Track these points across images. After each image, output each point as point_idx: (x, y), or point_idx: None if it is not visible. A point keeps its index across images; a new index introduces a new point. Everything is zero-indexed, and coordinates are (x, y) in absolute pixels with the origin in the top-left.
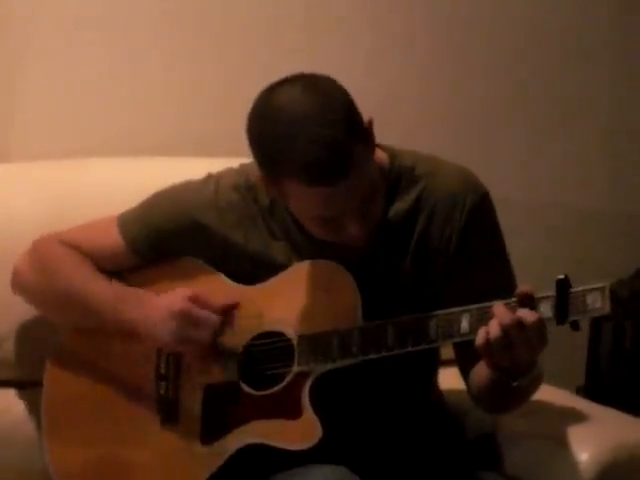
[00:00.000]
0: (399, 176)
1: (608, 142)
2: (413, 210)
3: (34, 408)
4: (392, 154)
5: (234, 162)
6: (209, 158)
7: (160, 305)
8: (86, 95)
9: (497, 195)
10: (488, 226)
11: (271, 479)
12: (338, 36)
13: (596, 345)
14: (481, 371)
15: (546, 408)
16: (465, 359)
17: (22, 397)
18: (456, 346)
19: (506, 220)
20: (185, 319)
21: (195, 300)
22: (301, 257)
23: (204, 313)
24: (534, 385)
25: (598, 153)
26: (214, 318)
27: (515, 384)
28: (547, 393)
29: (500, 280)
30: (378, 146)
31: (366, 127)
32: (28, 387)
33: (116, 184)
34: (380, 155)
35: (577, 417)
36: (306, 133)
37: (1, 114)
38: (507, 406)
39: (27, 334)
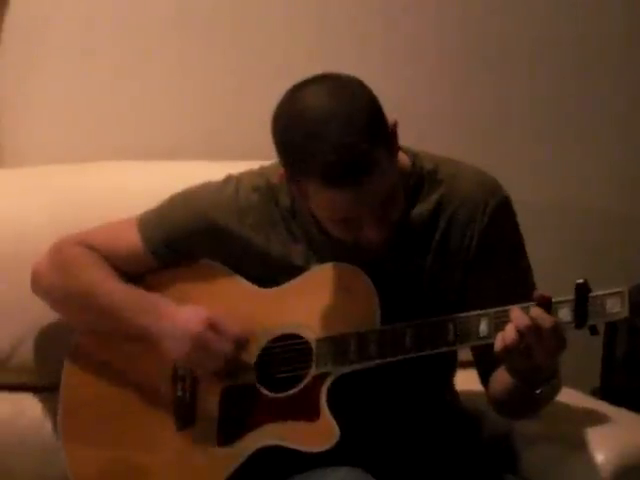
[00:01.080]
0: (421, 179)
1: (625, 144)
2: (434, 212)
3: (49, 412)
4: (414, 156)
5: (246, 165)
6: (221, 161)
7: (177, 321)
8: (98, 99)
9: (513, 197)
10: (508, 230)
11: None
12: (351, 37)
13: (611, 347)
14: (501, 377)
15: (562, 409)
16: (484, 364)
17: (37, 401)
18: (475, 351)
19: (523, 222)
20: (199, 345)
21: (212, 325)
22: (321, 260)
23: (219, 343)
24: (554, 392)
25: (615, 155)
26: (228, 349)
27: (538, 392)
28: (563, 394)
29: (519, 283)
30: (399, 148)
31: (390, 130)
32: (43, 391)
33: (128, 188)
34: (401, 157)
35: (593, 419)
36: (330, 135)
37: (13, 118)
38: (526, 412)
39: (42, 339)
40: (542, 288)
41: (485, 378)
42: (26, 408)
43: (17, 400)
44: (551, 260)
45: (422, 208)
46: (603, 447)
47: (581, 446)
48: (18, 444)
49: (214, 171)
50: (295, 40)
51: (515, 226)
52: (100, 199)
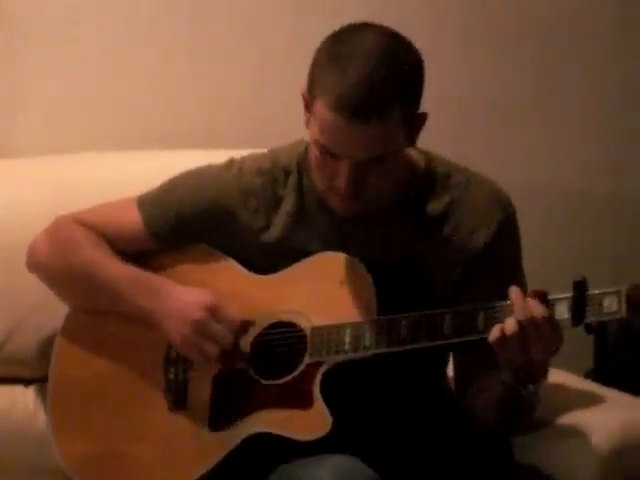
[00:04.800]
0: (434, 181)
1: (615, 126)
2: (444, 213)
3: (42, 404)
4: (428, 159)
5: (235, 154)
6: (215, 150)
7: (181, 303)
8: (88, 89)
9: (502, 180)
10: (512, 244)
11: (279, 469)
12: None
13: (603, 329)
14: (485, 381)
15: (556, 392)
16: (464, 377)
17: (30, 393)
18: (457, 362)
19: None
20: (198, 330)
21: (213, 311)
22: (323, 244)
23: (219, 330)
24: (537, 398)
25: (604, 137)
26: (227, 338)
27: (529, 389)
28: (557, 377)
29: None
30: (416, 149)
31: (417, 112)
32: (36, 383)
33: (120, 178)
34: (416, 157)
35: (587, 401)
36: (359, 68)
37: (5, 110)
38: (506, 419)
39: (34, 330)
40: (533, 271)
41: (461, 392)
42: (19, 400)
43: (10, 392)
44: (541, 243)
45: (433, 207)
46: (598, 429)
47: (576, 429)
48: (11, 436)
49: (209, 160)
50: (286, 26)
51: (518, 241)
52: (92, 190)
